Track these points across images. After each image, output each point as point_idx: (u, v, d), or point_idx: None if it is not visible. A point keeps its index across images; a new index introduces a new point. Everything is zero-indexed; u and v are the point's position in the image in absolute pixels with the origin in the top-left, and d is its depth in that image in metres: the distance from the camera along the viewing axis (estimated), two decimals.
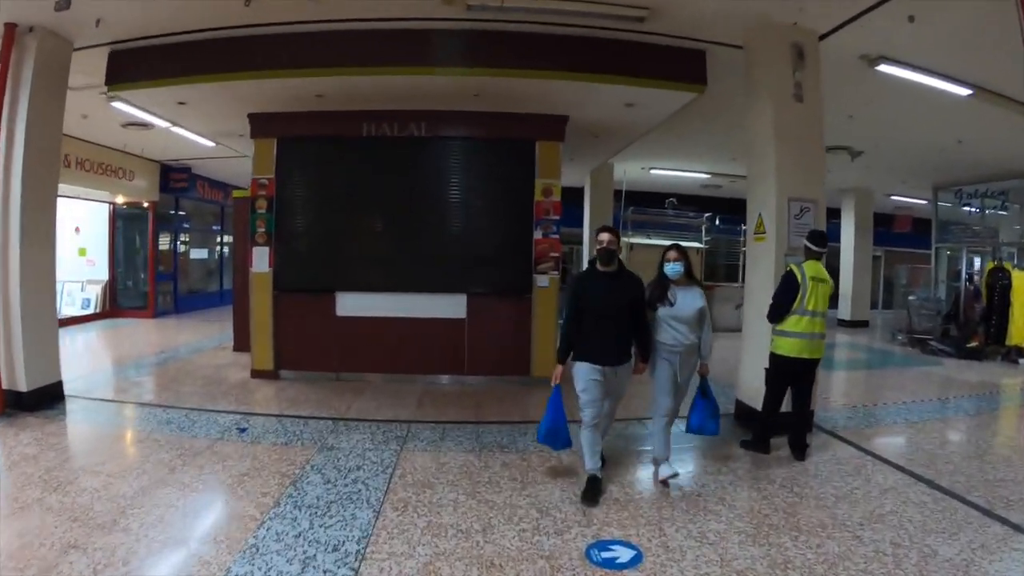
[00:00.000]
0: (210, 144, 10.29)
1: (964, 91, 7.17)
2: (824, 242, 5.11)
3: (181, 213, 15.13)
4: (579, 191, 15.29)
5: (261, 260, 7.46)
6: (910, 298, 14.32)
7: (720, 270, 16.84)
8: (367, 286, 7.51)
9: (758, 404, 5.53)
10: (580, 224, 15.10)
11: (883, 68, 6.58)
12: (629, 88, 6.39)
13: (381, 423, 5.76)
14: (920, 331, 13.25)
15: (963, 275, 13.58)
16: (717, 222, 16.01)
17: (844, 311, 16.71)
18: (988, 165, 12.28)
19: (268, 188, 7.45)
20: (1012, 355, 11.51)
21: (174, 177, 14.15)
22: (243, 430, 5.48)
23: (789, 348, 4.97)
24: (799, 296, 4.90)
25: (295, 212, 7.55)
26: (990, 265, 12.18)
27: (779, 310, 5.02)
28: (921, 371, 9.92)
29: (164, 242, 14.46)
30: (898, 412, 6.97)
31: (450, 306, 7.44)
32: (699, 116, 8.73)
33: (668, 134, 10.34)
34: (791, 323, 4.96)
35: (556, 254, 7.38)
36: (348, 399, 6.64)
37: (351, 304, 7.51)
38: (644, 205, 15.09)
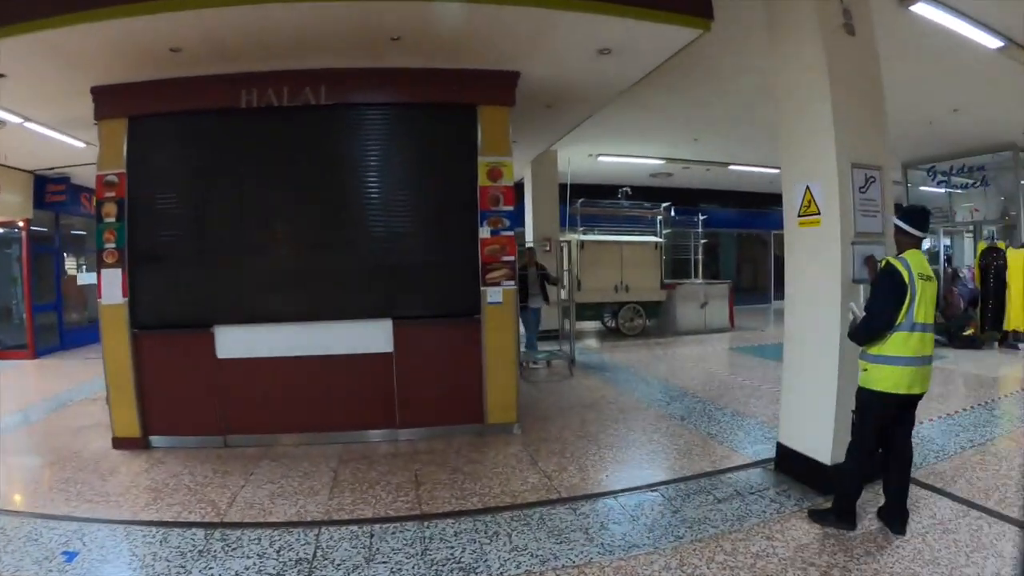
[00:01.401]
0: (81, 145, 8.17)
1: (996, 42, 6.30)
2: (927, 223, 3.56)
3: (66, 232, 12.77)
4: (518, 187, 13.65)
5: (112, 288, 5.42)
6: None
7: (682, 266, 15.35)
8: (258, 316, 5.53)
9: (814, 448, 4.17)
10: (521, 223, 13.18)
11: (918, 9, 5.50)
12: (607, 22, 4.63)
13: (277, 528, 3.83)
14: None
15: (941, 258, 12.55)
16: (672, 213, 14.48)
17: None
18: (971, 138, 11.29)
19: (118, 188, 5.44)
20: (1010, 340, 10.50)
21: (50, 189, 11.82)
22: (70, 557, 3.53)
23: (893, 381, 3.38)
24: (906, 303, 3.32)
25: (155, 219, 5.54)
26: (982, 246, 11.12)
27: (879, 325, 3.42)
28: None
29: (45, 266, 12.14)
30: (954, 431, 5.63)
31: (371, 337, 5.52)
32: (676, 76, 7.15)
33: (630, 106, 8.80)
34: (895, 344, 3.36)
35: (510, 257, 5.58)
36: (234, 481, 4.67)
37: (237, 342, 5.49)
38: (590, 199, 13.49)
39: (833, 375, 4.13)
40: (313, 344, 5.51)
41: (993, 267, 10.70)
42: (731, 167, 14.21)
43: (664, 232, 13.48)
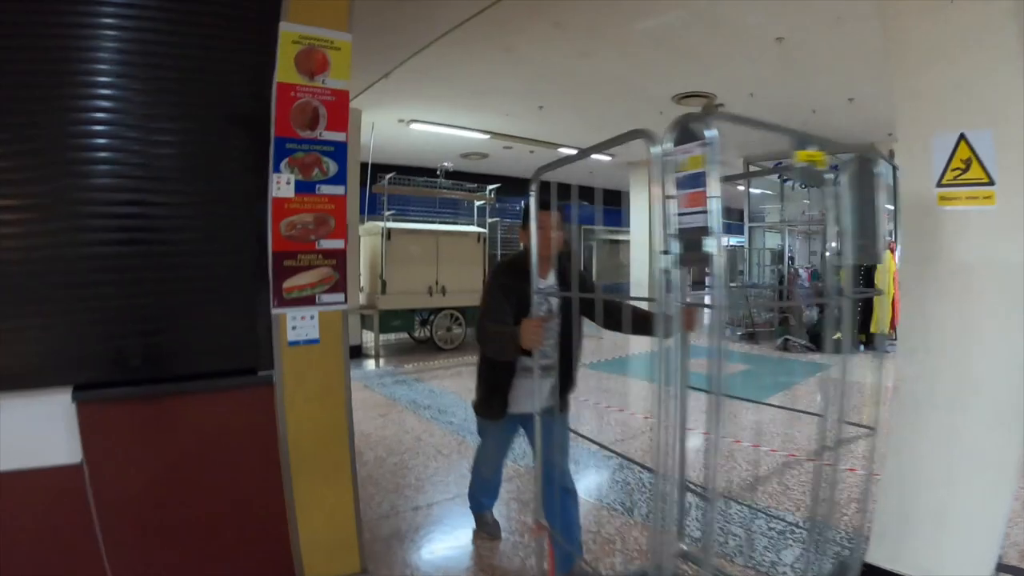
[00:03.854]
0: None
1: None
2: None
3: None
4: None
5: None
6: (731, 285, 12.20)
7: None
8: None
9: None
10: None
11: None
12: None
13: None
14: (761, 324, 11.22)
15: (785, 257, 11.85)
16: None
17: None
18: (840, 135, 10.48)
19: None
20: (876, 344, 9.93)
21: None
22: None
23: None
24: None
25: None
26: None
27: None
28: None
29: None
30: None
31: (28, 434, 2.19)
32: (568, 12, 4.80)
33: (490, 47, 6.33)
34: None
35: (335, 243, 2.61)
36: None
37: None
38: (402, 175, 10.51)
39: (1015, 461, 2.17)
40: None
41: (863, 268, 9.98)
42: (561, 149, 12.27)
43: (488, 222, 11.05)
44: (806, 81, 7.87)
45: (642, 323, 2.65)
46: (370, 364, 8.80)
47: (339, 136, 2.57)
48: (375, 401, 6.61)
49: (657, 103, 9.06)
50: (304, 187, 2.50)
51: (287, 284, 2.46)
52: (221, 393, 2.46)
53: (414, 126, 10.14)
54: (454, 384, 7.49)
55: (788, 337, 10.27)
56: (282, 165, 2.46)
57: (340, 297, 2.58)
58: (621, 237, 23.06)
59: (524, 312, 2.48)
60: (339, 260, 2.58)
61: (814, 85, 8.03)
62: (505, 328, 2.43)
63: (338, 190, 2.55)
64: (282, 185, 2.46)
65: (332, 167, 2.55)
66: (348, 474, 2.71)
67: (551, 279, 2.81)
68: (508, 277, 2.68)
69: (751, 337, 11.12)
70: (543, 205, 2.56)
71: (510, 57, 7.03)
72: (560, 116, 9.79)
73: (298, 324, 2.49)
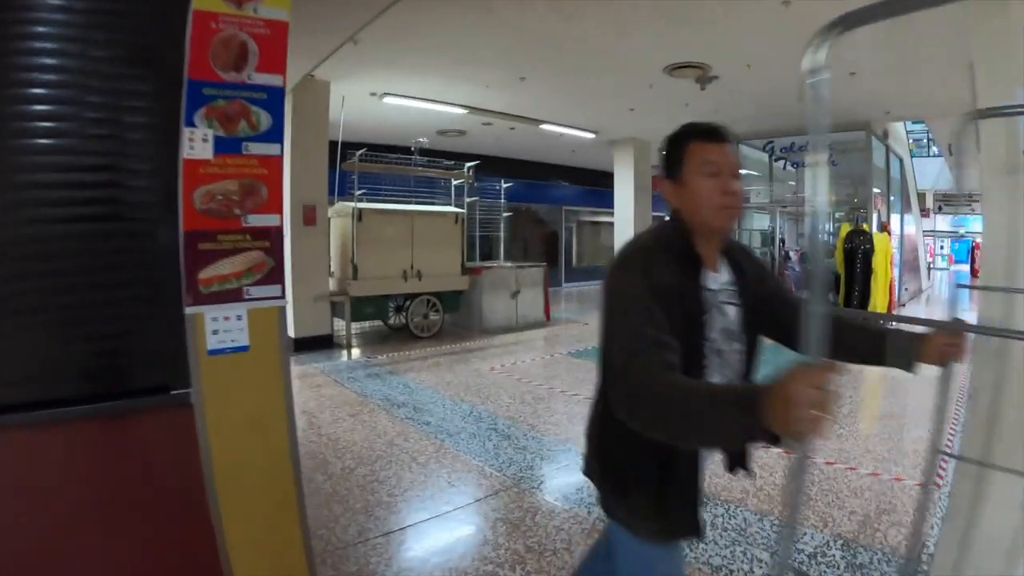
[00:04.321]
0: None
1: None
2: None
3: None
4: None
5: None
6: None
7: (484, 245, 12.33)
8: None
9: None
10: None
11: None
12: None
13: None
14: None
15: (777, 239, 11.44)
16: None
17: None
18: (840, 111, 10.18)
19: None
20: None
21: None
22: None
23: None
24: None
25: None
26: (846, 228, 9.98)
27: None
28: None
29: None
30: None
31: None
32: None
33: (472, 6, 5.74)
34: None
35: (274, 222, 2.00)
36: None
37: None
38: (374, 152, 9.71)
39: None
40: None
41: (860, 251, 9.58)
42: (544, 126, 11.66)
43: (467, 202, 10.42)
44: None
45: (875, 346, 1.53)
46: (342, 356, 8.20)
47: (274, 80, 1.97)
48: (345, 399, 6.03)
49: (647, 75, 8.50)
50: (227, 146, 1.90)
51: (204, 275, 1.87)
52: (120, 420, 1.87)
53: (387, 100, 9.48)
54: (431, 377, 6.92)
55: None
56: (197, 117, 1.86)
57: (276, 290, 1.99)
58: (602, 219, 22.56)
59: (694, 337, 1.41)
60: (274, 242, 1.99)
61: None
62: (726, 393, 1.12)
63: (272, 149, 1.95)
64: (196, 143, 1.85)
65: (264, 120, 1.95)
66: (295, 513, 2.13)
67: (724, 274, 1.55)
68: (661, 271, 1.39)
69: None
70: (710, 134, 1.51)
71: (490, 20, 6.42)
72: (543, 88, 9.18)
73: (220, 327, 1.89)
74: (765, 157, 12.32)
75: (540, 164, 17.39)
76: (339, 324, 9.07)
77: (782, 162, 12.08)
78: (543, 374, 7.13)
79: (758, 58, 7.74)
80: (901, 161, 14.62)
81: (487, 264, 10.60)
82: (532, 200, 17.36)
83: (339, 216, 9.20)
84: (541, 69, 8.29)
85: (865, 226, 9.97)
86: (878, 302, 9.62)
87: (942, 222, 26.17)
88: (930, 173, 20.59)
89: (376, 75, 8.50)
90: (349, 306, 8.67)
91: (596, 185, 19.18)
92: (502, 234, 11.70)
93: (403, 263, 9.15)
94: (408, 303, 9.43)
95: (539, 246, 19.69)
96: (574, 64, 8.05)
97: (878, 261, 9.65)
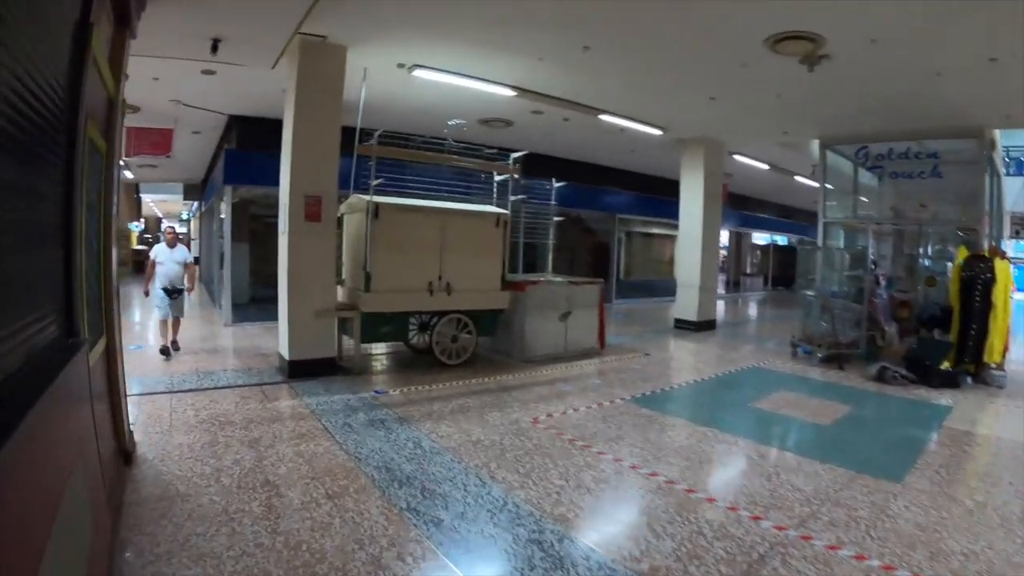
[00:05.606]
0: None
1: None
2: None
3: None
4: (268, 122, 8.21)
5: None
6: (806, 293, 9.78)
7: (528, 254, 10.37)
8: None
9: None
10: (269, 177, 7.39)
11: None
12: None
13: None
14: (847, 343, 8.82)
15: (868, 261, 9.44)
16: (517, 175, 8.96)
17: (689, 308, 12.02)
18: (932, 117, 8.58)
19: None
20: (986, 375, 7.62)
21: None
22: None
23: None
24: None
25: None
26: (963, 252, 7.95)
27: None
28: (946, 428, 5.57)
29: None
30: None
31: None
32: None
33: None
34: None
35: None
36: None
37: None
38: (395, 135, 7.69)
39: None
40: None
41: (980, 280, 7.55)
42: (604, 117, 9.83)
43: (510, 201, 8.63)
44: (944, 30, 5.70)
45: None
46: (343, 388, 6.49)
47: None
48: (330, 463, 4.30)
49: (743, 48, 6.67)
50: None
51: None
52: None
53: (419, 74, 7.76)
54: (454, 431, 5.16)
55: (886, 365, 7.83)
56: None
57: None
58: (656, 230, 20.57)
59: None
60: None
61: (951, 36, 5.76)
62: None
63: None
64: None
65: None
66: None
67: None
68: None
69: (836, 361, 8.68)
70: None
71: None
72: (608, 64, 7.36)
73: None
74: (846, 165, 10.47)
75: (592, 166, 15.56)
76: (348, 343, 7.41)
77: (878, 171, 10.16)
78: (604, 433, 5.29)
79: (887, 31, 5.90)
80: (999, 178, 12.50)
81: (533, 278, 8.77)
82: (581, 205, 15.47)
83: (352, 211, 7.53)
84: (609, 36, 6.51)
85: (985, 251, 8.01)
86: (995, 345, 7.59)
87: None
88: (1011, 192, 18.25)
89: (404, 40, 6.81)
90: (359, 324, 6.98)
91: (651, 191, 17.28)
92: (551, 242, 9.86)
93: (429, 273, 7.43)
94: (434, 320, 7.70)
95: (586, 257, 17.82)
96: (653, 28, 6.26)
97: (998, 293, 7.61)
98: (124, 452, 4.12)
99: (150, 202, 29.06)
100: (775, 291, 25.65)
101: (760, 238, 26.78)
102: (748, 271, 26.42)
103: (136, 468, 4.11)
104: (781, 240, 27.32)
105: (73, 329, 2.82)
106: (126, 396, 4.39)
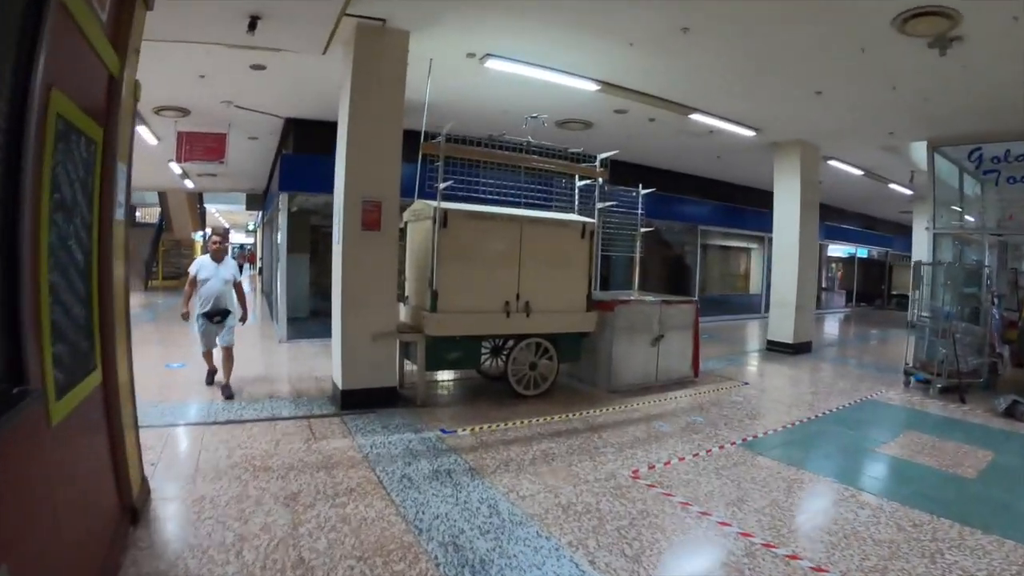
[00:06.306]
0: None
1: None
2: None
3: None
4: (326, 125, 7.45)
5: None
6: (922, 315, 8.38)
7: (614, 269, 9.17)
8: None
9: None
10: (320, 177, 6.67)
11: None
12: None
13: None
14: (967, 372, 7.47)
15: (984, 279, 8.04)
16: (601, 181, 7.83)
17: (784, 328, 10.72)
18: None
19: None
20: None
21: None
22: None
23: None
24: None
25: None
26: None
27: None
28: None
29: None
30: None
31: None
32: None
33: None
34: None
35: None
36: None
37: None
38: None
39: None
40: None
41: None
42: (695, 116, 8.72)
43: (596, 210, 7.59)
44: None
45: None
46: (404, 422, 5.58)
47: None
48: (380, 537, 3.35)
49: (866, 29, 5.54)
50: None
51: None
52: None
53: (491, 65, 6.87)
54: (537, 488, 4.15)
55: (1018, 399, 6.49)
56: None
57: None
58: (734, 243, 19.15)
59: None
60: None
61: None
62: None
63: None
64: None
65: None
66: None
67: None
68: None
69: (956, 392, 7.33)
70: None
71: None
72: (709, 50, 6.31)
73: None
74: (951, 171, 9.09)
75: (671, 173, 14.35)
76: (411, 367, 6.52)
77: (992, 176, 8.77)
78: (721, 493, 4.19)
79: None
80: None
81: (622, 296, 7.69)
82: (662, 216, 14.23)
83: (416, 219, 6.66)
84: (714, 14, 5.45)
85: None
86: None
87: None
88: None
89: (475, 23, 5.94)
90: (423, 350, 6.07)
91: (732, 201, 15.94)
92: (638, 255, 8.75)
93: (505, 291, 6.47)
94: (511, 344, 6.72)
95: (660, 271, 16.53)
96: (758, 11, 5.23)
97: None
98: (130, 509, 3.30)
99: (215, 212, 29.33)
100: (858, 307, 23.76)
101: (837, 250, 24.81)
102: (827, 286, 24.49)
103: (144, 529, 3.28)
104: (861, 252, 25.28)
105: (20, 374, 1.97)
106: (138, 438, 3.57)
